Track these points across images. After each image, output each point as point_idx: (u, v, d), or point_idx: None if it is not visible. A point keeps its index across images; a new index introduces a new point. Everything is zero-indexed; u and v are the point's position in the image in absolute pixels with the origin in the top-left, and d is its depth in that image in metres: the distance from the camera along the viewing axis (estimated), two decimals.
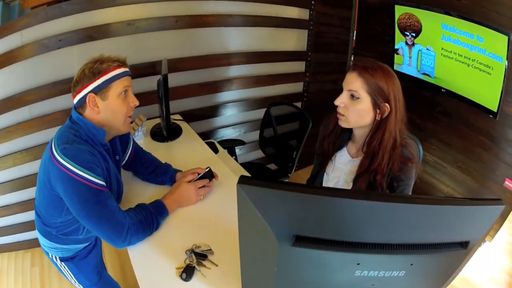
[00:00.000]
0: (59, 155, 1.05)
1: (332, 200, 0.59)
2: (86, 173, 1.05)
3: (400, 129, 1.16)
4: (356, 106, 1.13)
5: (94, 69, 1.10)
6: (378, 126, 1.15)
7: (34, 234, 2.25)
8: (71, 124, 1.15)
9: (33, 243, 2.31)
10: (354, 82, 1.12)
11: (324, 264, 0.66)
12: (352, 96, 1.13)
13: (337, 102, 1.16)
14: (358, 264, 0.66)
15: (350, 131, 1.28)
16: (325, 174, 1.32)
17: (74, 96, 1.14)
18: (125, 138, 1.39)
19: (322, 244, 0.62)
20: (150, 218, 1.19)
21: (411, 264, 0.69)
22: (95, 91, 1.11)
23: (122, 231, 1.10)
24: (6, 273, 2.15)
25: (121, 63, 1.16)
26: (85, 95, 1.11)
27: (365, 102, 1.12)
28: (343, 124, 1.19)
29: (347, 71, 1.17)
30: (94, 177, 1.07)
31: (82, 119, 1.14)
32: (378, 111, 1.13)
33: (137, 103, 1.20)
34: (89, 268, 1.41)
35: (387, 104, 1.11)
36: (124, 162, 1.43)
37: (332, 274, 0.69)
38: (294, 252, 0.63)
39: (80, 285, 1.42)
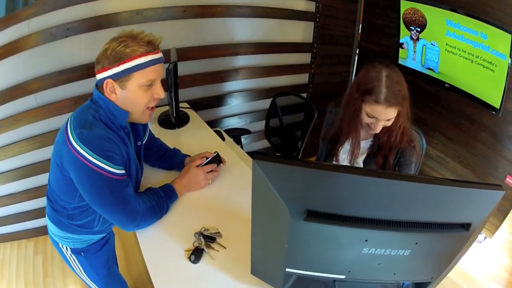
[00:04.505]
0: (74, 140, 0.97)
1: (343, 176, 0.62)
2: (103, 163, 0.98)
3: (408, 116, 1.22)
4: (390, 122, 1.19)
5: (117, 52, 0.98)
6: None
7: (38, 222, 2.30)
8: (91, 103, 1.07)
9: (37, 232, 2.33)
10: (390, 114, 1.16)
11: (333, 240, 0.69)
12: (388, 120, 1.19)
13: (377, 130, 1.19)
14: (366, 240, 0.69)
15: None
16: (334, 159, 1.35)
17: (95, 74, 1.05)
18: (144, 124, 1.31)
19: (333, 219, 0.65)
20: (161, 203, 1.18)
21: (416, 243, 0.72)
22: (114, 78, 1.01)
23: (136, 218, 1.09)
24: (8, 262, 2.16)
25: (151, 48, 1.02)
26: (104, 79, 1.02)
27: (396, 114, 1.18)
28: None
29: (373, 102, 1.15)
30: (112, 167, 1.00)
31: (102, 98, 1.05)
32: None
33: (163, 95, 1.09)
34: (100, 262, 1.36)
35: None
36: None
37: (341, 250, 0.71)
38: (306, 227, 0.66)
39: (88, 278, 1.37)
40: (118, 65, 0.99)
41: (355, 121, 1.22)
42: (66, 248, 1.27)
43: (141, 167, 1.28)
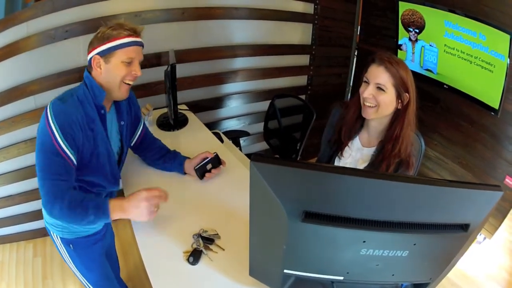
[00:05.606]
0: (48, 107, 1.09)
1: (341, 177, 0.62)
2: (58, 133, 1.07)
3: (415, 116, 1.22)
4: (382, 97, 1.18)
5: (105, 34, 1.15)
6: (398, 115, 1.21)
7: (37, 224, 2.30)
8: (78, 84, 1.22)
9: (36, 234, 2.33)
10: (381, 76, 1.16)
11: (331, 241, 0.68)
12: (379, 88, 1.18)
13: (365, 94, 1.19)
14: (364, 241, 0.69)
15: (363, 119, 1.31)
16: (336, 159, 1.36)
17: (87, 55, 1.20)
18: (136, 115, 1.44)
19: (330, 220, 0.65)
20: (85, 217, 1.09)
21: (414, 244, 0.72)
22: (101, 54, 1.16)
23: (53, 203, 1.07)
24: (8, 264, 2.16)
25: (133, 32, 1.19)
26: (92, 56, 1.18)
27: (390, 94, 1.17)
28: (370, 115, 1.22)
29: (370, 63, 1.20)
30: (62, 142, 1.08)
31: (88, 77, 1.20)
32: (399, 101, 1.19)
33: (139, 73, 1.23)
34: (91, 258, 1.35)
35: (407, 94, 1.18)
36: (133, 143, 1.46)
37: (339, 251, 0.71)
38: (303, 229, 0.66)
39: (78, 271, 1.35)
40: (105, 43, 1.16)
41: (357, 94, 1.25)
42: (57, 237, 1.31)
43: (123, 148, 1.36)
